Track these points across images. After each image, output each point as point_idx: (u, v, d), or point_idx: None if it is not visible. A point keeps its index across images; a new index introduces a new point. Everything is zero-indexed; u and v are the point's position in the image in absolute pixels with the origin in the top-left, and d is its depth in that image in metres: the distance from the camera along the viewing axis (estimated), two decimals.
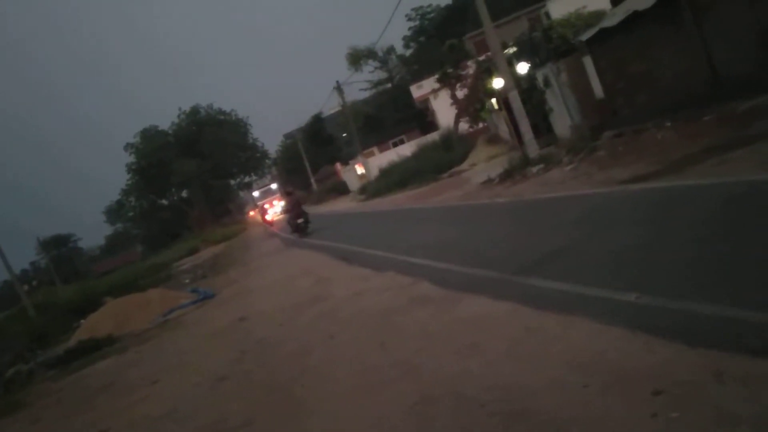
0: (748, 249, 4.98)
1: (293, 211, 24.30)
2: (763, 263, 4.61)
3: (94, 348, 14.76)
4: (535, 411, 3.72)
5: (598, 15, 16.64)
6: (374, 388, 5.09)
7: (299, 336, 8.11)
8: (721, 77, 12.16)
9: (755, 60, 11.25)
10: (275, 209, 56.28)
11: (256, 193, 65.90)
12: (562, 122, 18.11)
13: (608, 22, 14.24)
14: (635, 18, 13.04)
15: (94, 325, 17.01)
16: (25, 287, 49.90)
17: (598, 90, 16.06)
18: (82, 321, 19.37)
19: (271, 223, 47.03)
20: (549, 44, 17.88)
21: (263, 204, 58.58)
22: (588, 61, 16.07)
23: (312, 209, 42.85)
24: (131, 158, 78.45)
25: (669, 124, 12.31)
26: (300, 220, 23.77)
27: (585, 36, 15.48)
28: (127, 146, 78.39)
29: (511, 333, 5.16)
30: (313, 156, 60.67)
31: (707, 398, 3.19)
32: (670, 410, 3.19)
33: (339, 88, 41.16)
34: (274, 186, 63.70)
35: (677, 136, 11.43)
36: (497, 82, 19.75)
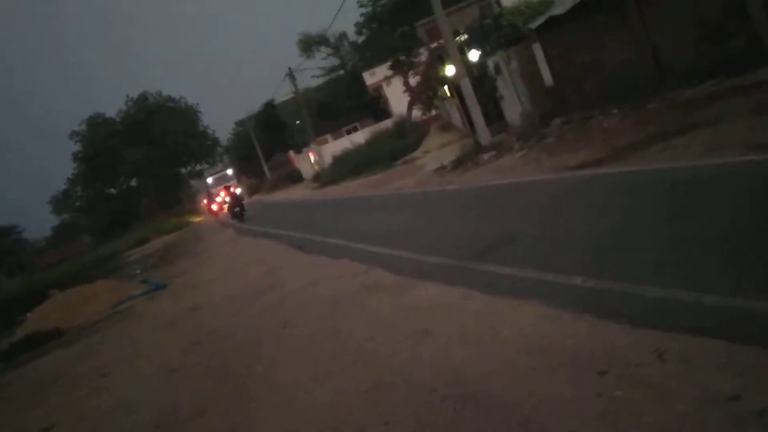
0: (690, 232, 5.15)
1: (232, 201, 31.87)
2: (704, 246, 4.78)
3: (41, 342, 14.35)
4: (485, 394, 3.79)
5: (548, 3, 16.86)
6: (327, 376, 5.11)
7: (252, 325, 8.06)
8: (664, 67, 12.49)
9: (696, 51, 11.60)
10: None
11: (209, 180, 59.33)
12: (513, 109, 18.35)
13: (557, 11, 14.47)
14: (583, 7, 13.28)
15: (40, 319, 16.53)
16: None
17: (547, 78, 16.30)
18: (28, 314, 18.79)
19: (216, 213, 45.81)
20: (499, 32, 18.06)
21: (218, 191, 52.15)
22: (537, 49, 16.28)
23: (265, 198, 42.57)
24: (77, 147, 76.17)
25: (615, 111, 12.61)
26: (237, 209, 30.40)
27: (534, 24, 15.68)
28: (73, 134, 75.99)
29: (462, 318, 5.24)
30: (265, 143, 59.81)
31: (649, 377, 3.30)
32: (613, 389, 3.29)
33: (291, 75, 40.73)
34: (229, 172, 58.97)
35: (623, 123, 11.71)
36: (449, 70, 19.89)
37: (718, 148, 7.56)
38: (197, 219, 53.22)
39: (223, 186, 51.85)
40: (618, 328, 3.95)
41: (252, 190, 58.94)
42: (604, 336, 3.93)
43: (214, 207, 48.08)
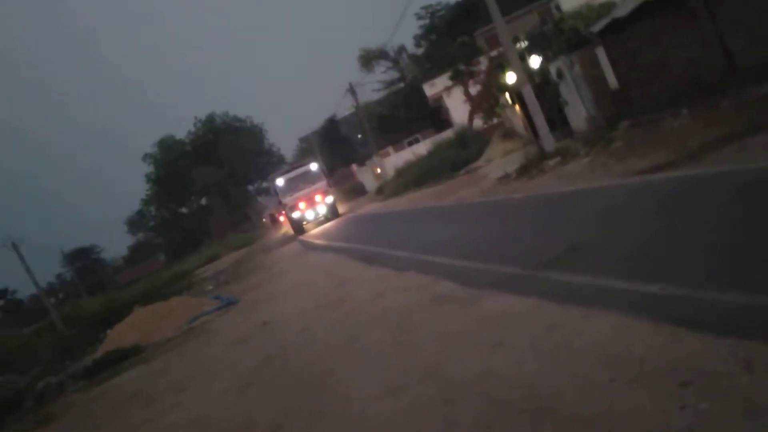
0: None
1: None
2: None
3: (121, 358, 14.93)
4: (562, 407, 3.72)
5: (609, 5, 16.52)
6: (399, 390, 5.11)
7: (323, 339, 8.14)
8: (737, 63, 12.01)
9: None
10: (316, 209, 32.04)
11: (279, 182, 33.29)
12: (578, 115, 17.99)
13: (620, 12, 14.13)
14: (646, 7, 12.93)
15: (120, 335, 17.22)
16: (52, 300, 50.65)
17: (612, 81, 15.93)
18: (109, 331, 19.61)
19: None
20: (561, 37, 17.79)
21: (296, 201, 31.97)
22: (601, 52, 15.94)
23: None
24: (150, 168, 79.34)
25: (685, 112, 12.20)
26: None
27: (597, 27, 15.36)
28: (146, 156, 79.34)
29: (534, 329, 5.15)
30: (328, 158, 60.57)
31: (736, 388, 3.17)
32: (698, 401, 3.18)
33: (352, 90, 41.21)
34: (313, 167, 33.64)
35: (694, 124, 11.32)
36: (510, 77, 19.70)
37: None
38: (264, 235, 53.49)
39: (305, 192, 32.21)
40: (700, 338, 3.80)
41: None
42: (685, 345, 3.80)
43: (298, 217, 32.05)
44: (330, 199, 32.19)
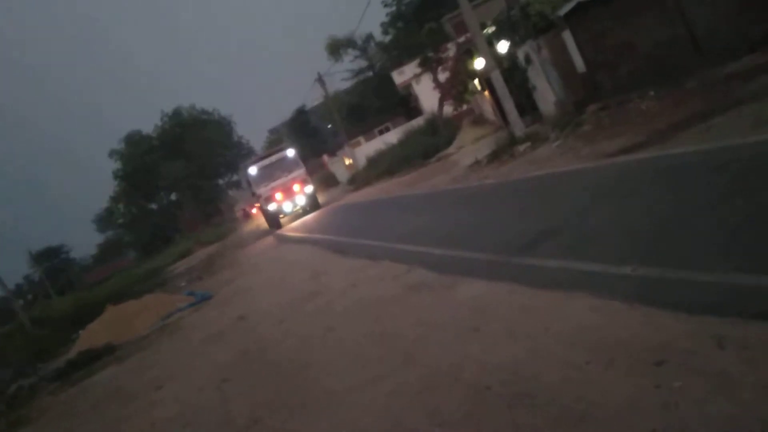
0: (740, 214, 5.00)
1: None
2: (755, 227, 4.63)
3: (95, 358, 14.68)
4: (540, 390, 3.74)
5: None
6: (378, 379, 5.10)
7: (299, 332, 8.11)
8: (702, 44, 12.19)
9: (734, 24, 11.29)
10: (294, 200, 28.56)
11: (252, 171, 29.46)
12: (546, 99, 18.10)
13: None
14: None
15: (92, 335, 16.93)
16: (21, 302, 49.71)
17: (579, 64, 16.03)
18: (81, 332, 19.30)
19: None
20: (528, 21, 17.83)
21: (272, 192, 28.35)
22: (568, 36, 16.02)
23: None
24: (117, 165, 78.02)
25: (652, 93, 12.35)
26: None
27: (563, 11, 15.43)
28: (112, 153, 77.95)
29: (509, 314, 5.18)
30: (299, 149, 60.01)
31: (709, 365, 3.22)
32: (673, 380, 3.22)
33: (321, 80, 40.97)
34: (290, 153, 29.91)
35: (661, 105, 11.46)
36: (478, 63, 19.74)
37: (763, 123, 7.33)
38: (236, 228, 53.01)
39: (281, 181, 28.45)
40: (673, 317, 3.86)
41: None
42: (658, 325, 3.85)
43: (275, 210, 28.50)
44: (310, 188, 28.96)
